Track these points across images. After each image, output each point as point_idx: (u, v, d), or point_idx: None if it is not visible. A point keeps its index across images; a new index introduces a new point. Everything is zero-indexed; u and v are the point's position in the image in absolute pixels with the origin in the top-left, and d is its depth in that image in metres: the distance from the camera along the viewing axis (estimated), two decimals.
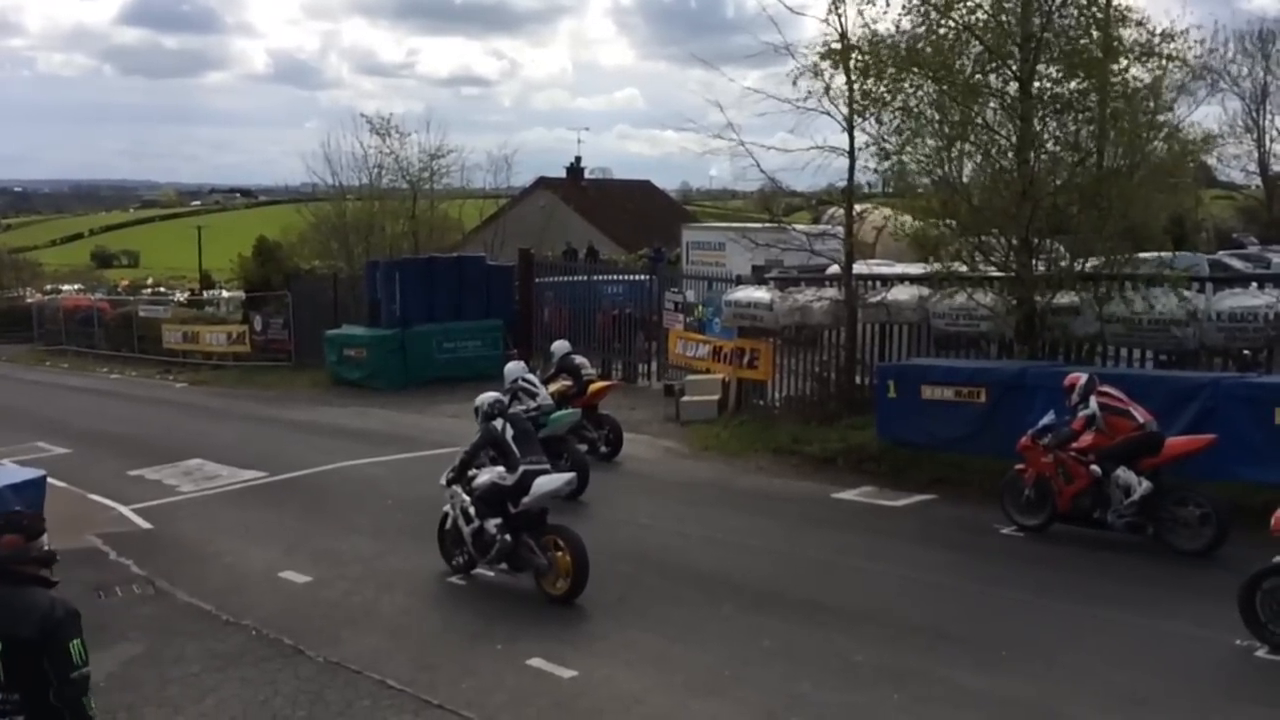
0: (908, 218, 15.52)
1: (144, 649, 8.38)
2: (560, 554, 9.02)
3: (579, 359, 14.98)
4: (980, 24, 13.48)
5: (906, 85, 13.86)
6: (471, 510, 9.44)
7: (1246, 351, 12.89)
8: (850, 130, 14.78)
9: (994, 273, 13.98)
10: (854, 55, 14.16)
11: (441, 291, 23.36)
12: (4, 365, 33.05)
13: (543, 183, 45.61)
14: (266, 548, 11.19)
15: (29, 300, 45.43)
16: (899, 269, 17.51)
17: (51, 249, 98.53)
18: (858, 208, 16.58)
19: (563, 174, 48.58)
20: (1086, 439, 10.36)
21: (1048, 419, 10.71)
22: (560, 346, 15.12)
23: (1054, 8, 13.34)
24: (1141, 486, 9.96)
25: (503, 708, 7.19)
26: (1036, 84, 13.39)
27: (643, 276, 23.30)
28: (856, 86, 14.27)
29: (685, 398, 17.36)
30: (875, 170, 14.85)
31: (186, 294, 47.95)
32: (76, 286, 57.66)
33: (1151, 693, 7.11)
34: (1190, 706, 6.97)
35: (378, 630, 8.71)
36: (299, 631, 8.61)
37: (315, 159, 31.16)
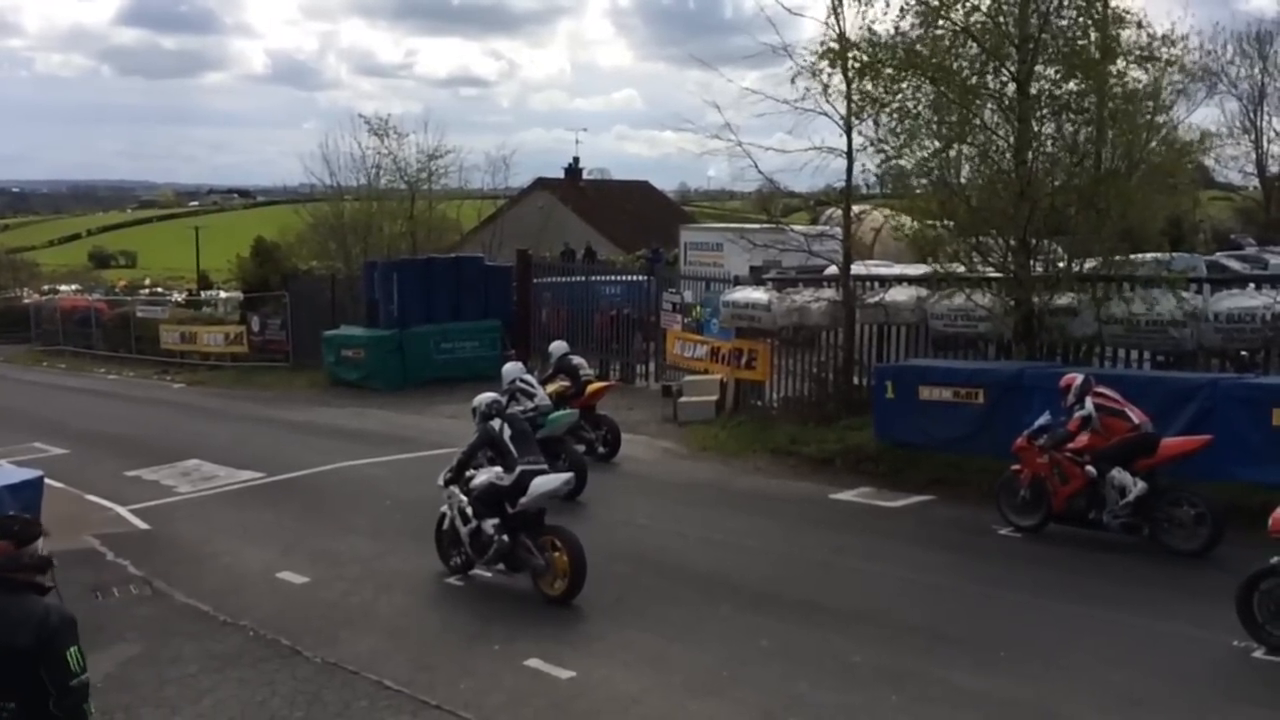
0: (906, 219, 15.53)
1: (141, 649, 8.37)
2: (558, 554, 9.02)
3: (577, 360, 14.98)
4: (978, 25, 13.49)
5: (904, 86, 13.87)
6: (469, 510, 9.44)
7: (1244, 352, 12.91)
8: (848, 131, 14.79)
9: (992, 273, 13.99)
10: (852, 55, 14.16)
11: (439, 292, 23.36)
12: (1, 366, 33.02)
13: (541, 183, 45.59)
14: (264, 548, 11.18)
15: (26, 301, 45.40)
16: (897, 270, 17.53)
17: (49, 249, 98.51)
18: (856, 208, 16.59)
19: (561, 175, 48.58)
20: (1082, 440, 10.37)
21: (1043, 420, 10.72)
22: (558, 347, 15.11)
23: (1052, 9, 13.35)
24: (1137, 487, 9.97)
25: (500, 708, 7.19)
26: (1034, 85, 13.39)
27: (641, 277, 23.31)
28: (854, 87, 14.28)
29: (683, 398, 17.36)
30: (875, 174, 14.88)
31: (184, 294, 47.89)
32: (74, 287, 57.58)
33: (1149, 693, 7.11)
34: (1188, 707, 6.97)
35: (375, 631, 8.70)
36: (296, 632, 8.60)
37: (313, 160, 31.10)
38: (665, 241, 32.96)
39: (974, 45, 13.55)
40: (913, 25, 13.77)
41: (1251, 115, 43.19)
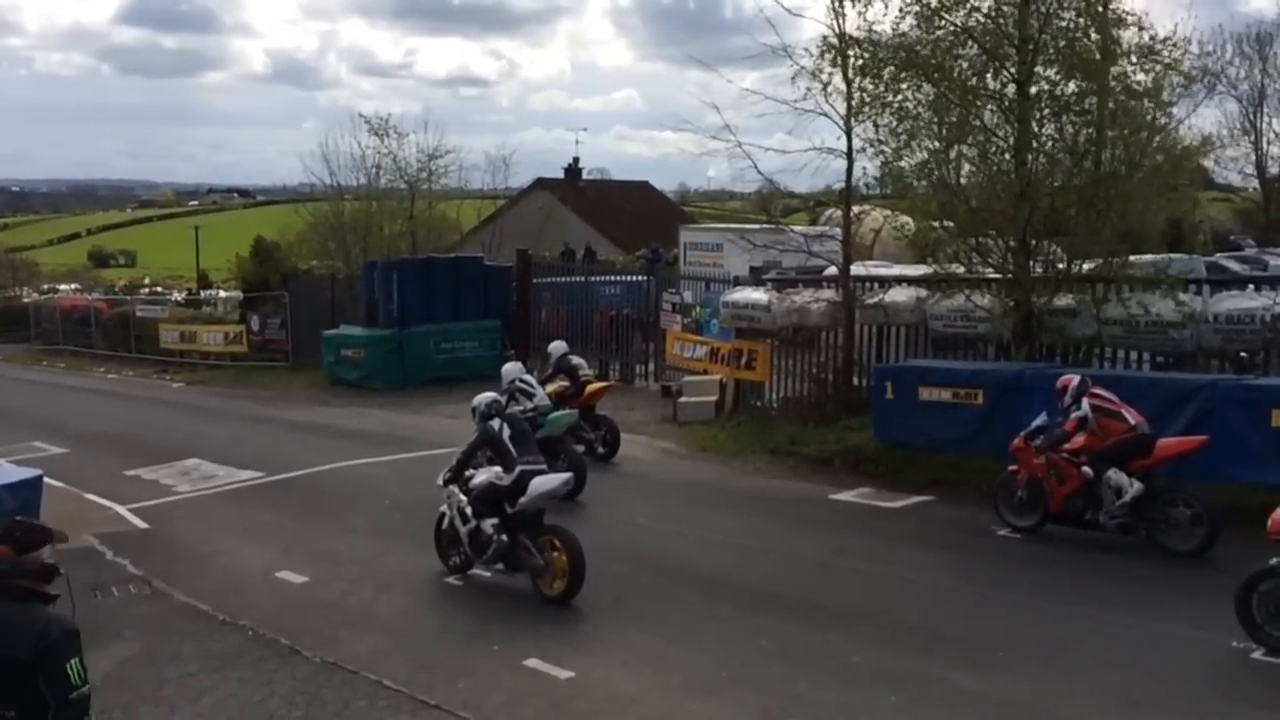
0: (905, 219, 15.55)
1: (140, 649, 8.38)
2: (557, 554, 9.02)
3: (576, 360, 14.99)
4: (978, 26, 13.49)
5: (904, 86, 13.88)
6: (468, 510, 9.44)
7: (1244, 353, 12.91)
8: (848, 131, 14.79)
9: (992, 274, 14.00)
10: (852, 54, 14.16)
11: (439, 292, 23.36)
12: (1, 365, 33.01)
13: (541, 183, 45.59)
14: (263, 548, 11.18)
15: (26, 300, 45.39)
16: (897, 270, 17.54)
17: (49, 248, 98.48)
18: (855, 209, 16.59)
19: (561, 174, 48.57)
20: (1078, 440, 10.38)
21: (1040, 420, 10.73)
22: (558, 347, 15.12)
23: (1052, 10, 13.36)
24: (1133, 488, 9.97)
25: (500, 708, 7.19)
26: (1034, 86, 13.41)
27: (640, 277, 23.30)
28: (855, 86, 14.29)
29: (683, 399, 17.37)
30: (875, 174, 14.88)
31: (184, 294, 47.91)
32: (74, 286, 57.60)
33: (1148, 694, 7.11)
34: (1186, 708, 6.98)
35: (375, 630, 8.70)
36: (296, 632, 8.60)
37: (313, 159, 31.20)
38: (665, 242, 32.95)
39: (974, 46, 13.55)
40: (912, 26, 13.79)
41: (1251, 117, 43.20)
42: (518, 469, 9.28)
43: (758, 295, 16.86)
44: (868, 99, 14.15)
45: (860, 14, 14.18)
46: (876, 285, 16.05)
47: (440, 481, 9.78)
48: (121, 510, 12.85)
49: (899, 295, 15.28)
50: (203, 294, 44.94)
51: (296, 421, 19.56)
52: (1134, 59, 13.22)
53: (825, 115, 14.81)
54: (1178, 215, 20.66)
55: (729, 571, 9.94)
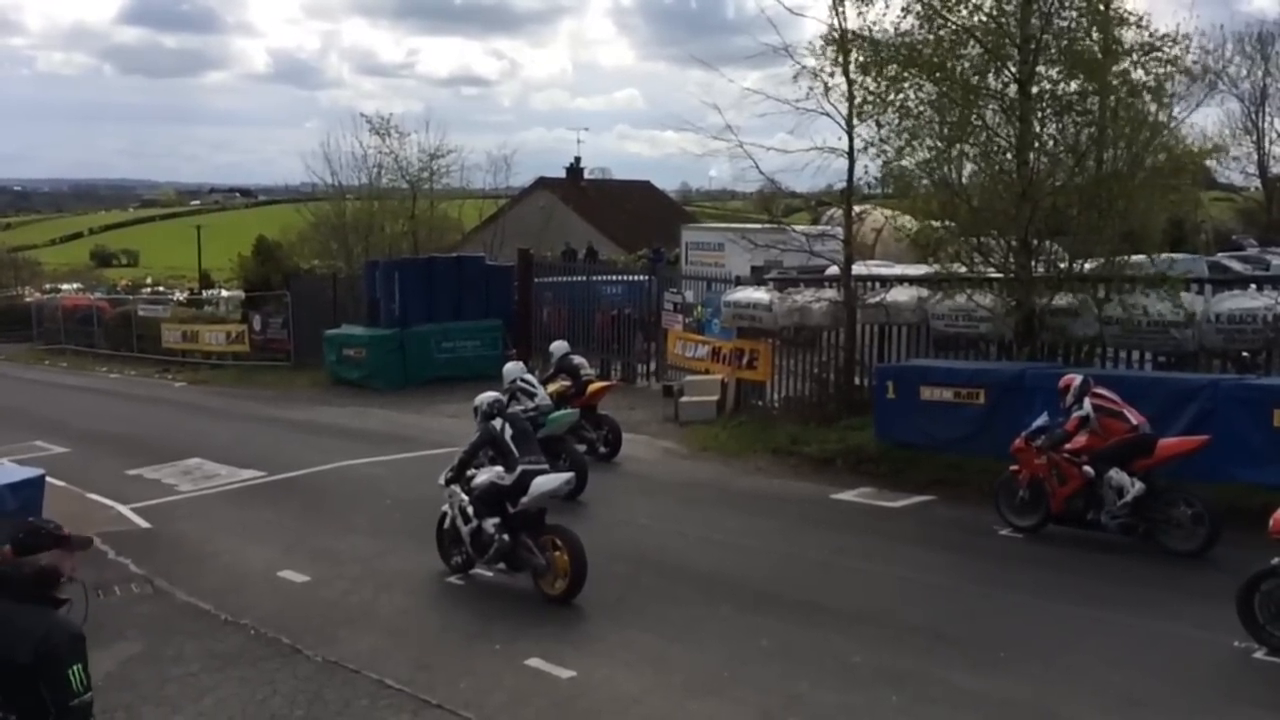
0: (907, 219, 15.53)
1: (142, 648, 8.39)
2: (558, 554, 9.02)
3: (578, 359, 14.98)
4: (980, 25, 13.49)
5: (906, 85, 13.87)
6: (470, 510, 9.45)
7: (1245, 353, 12.90)
8: (850, 131, 14.79)
9: (993, 274, 13.99)
10: (854, 51, 14.16)
11: (441, 291, 23.37)
12: (3, 364, 33.03)
13: (542, 183, 45.62)
14: (265, 547, 11.19)
15: (28, 299, 45.45)
16: (898, 270, 17.53)
17: (51, 248, 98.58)
18: (857, 209, 16.59)
19: (562, 174, 48.61)
20: (1080, 440, 10.37)
21: (1041, 420, 10.73)
22: (559, 347, 15.12)
23: (1053, 9, 13.35)
24: (1134, 488, 9.97)
25: (501, 708, 7.20)
26: (1036, 85, 13.39)
27: (642, 277, 23.29)
28: (857, 85, 14.28)
29: (684, 398, 17.37)
30: (876, 174, 14.88)
31: (186, 293, 47.96)
32: (76, 286, 57.67)
33: (1149, 694, 7.11)
34: (1188, 708, 6.98)
35: (376, 630, 8.71)
36: (297, 631, 8.61)
37: (315, 159, 31.21)
38: (666, 241, 32.98)
39: (975, 45, 13.55)
40: (913, 26, 13.78)
41: (1253, 116, 43.22)
42: (519, 468, 9.29)
43: (759, 295, 16.86)
44: (869, 98, 14.14)
45: (860, 14, 14.19)
46: (878, 285, 16.05)
47: (442, 481, 9.79)
48: (123, 510, 12.86)
49: (900, 295, 15.28)
50: (205, 294, 44.99)
51: (298, 421, 19.58)
52: (1136, 57, 13.20)
53: (827, 115, 14.84)
54: (1180, 215, 20.64)
55: (730, 571, 9.94)
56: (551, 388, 13.97)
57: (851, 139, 14.84)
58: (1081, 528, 10.41)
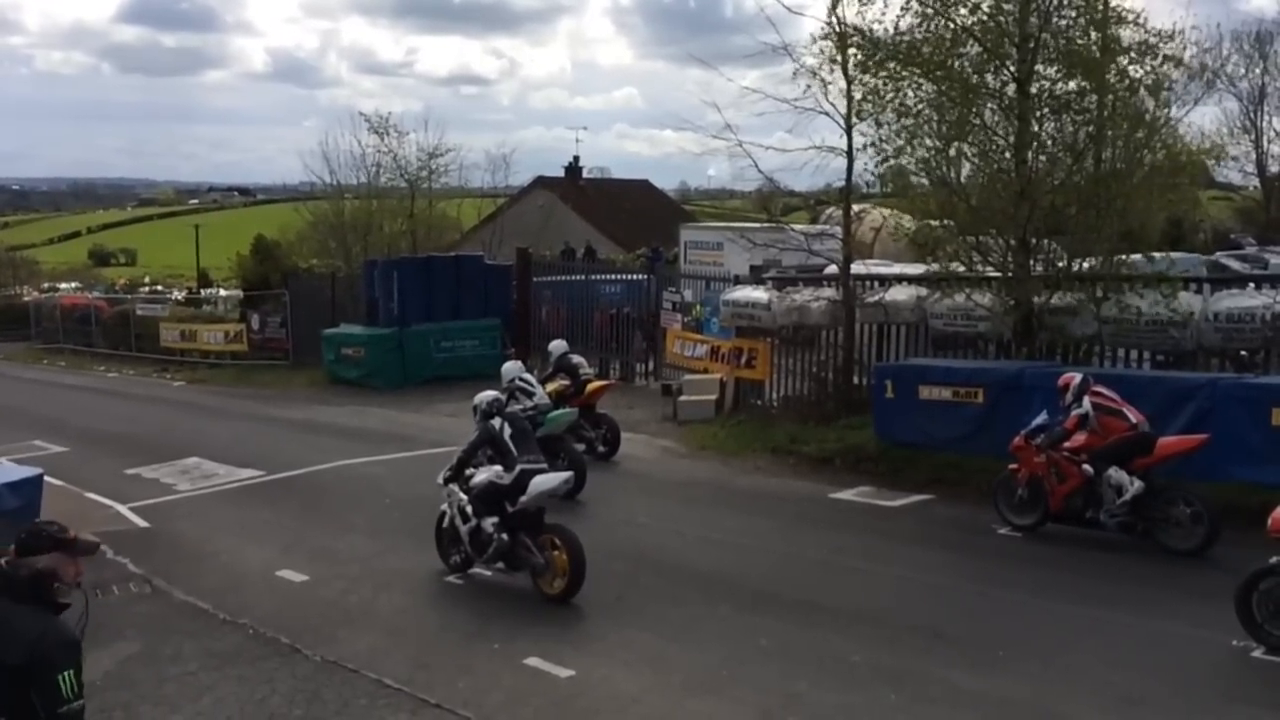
0: (906, 218, 15.53)
1: (141, 647, 8.38)
2: (557, 553, 9.02)
3: (576, 358, 14.99)
4: (978, 24, 13.48)
5: (905, 84, 13.87)
6: (469, 509, 9.44)
7: (1244, 352, 12.90)
8: (848, 130, 14.79)
9: (992, 273, 13.99)
10: (852, 50, 14.14)
11: (439, 291, 23.38)
12: (1, 363, 33.02)
13: (541, 182, 45.58)
14: (264, 546, 11.18)
15: (26, 298, 45.45)
16: (897, 269, 17.53)
17: (49, 247, 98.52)
18: (856, 208, 16.59)
19: (561, 173, 48.55)
20: (1079, 439, 10.37)
21: (1040, 419, 10.73)
22: (558, 346, 15.12)
23: (1052, 8, 13.35)
24: (1133, 486, 9.97)
25: (500, 707, 7.19)
26: (1035, 84, 13.39)
27: (640, 276, 23.31)
28: (856, 83, 14.28)
29: (683, 397, 17.37)
30: (875, 173, 14.87)
31: (184, 292, 47.94)
32: (74, 285, 57.65)
33: (1148, 693, 7.11)
34: (1186, 707, 6.98)
35: (375, 629, 8.71)
36: (296, 630, 8.60)
37: (313, 158, 31.23)
38: (665, 240, 32.94)
39: (974, 44, 13.54)
40: (911, 26, 13.78)
41: (1251, 115, 43.15)
42: (518, 468, 9.28)
43: (758, 294, 16.86)
44: (868, 96, 14.14)
45: (859, 13, 14.17)
46: (877, 284, 16.05)
47: (440, 480, 9.78)
48: (122, 509, 12.85)
49: (899, 294, 15.28)
50: (203, 293, 44.98)
51: (297, 420, 19.57)
52: (1133, 54, 13.20)
53: (825, 114, 14.84)
54: (1178, 214, 20.65)
55: (729, 570, 9.94)
56: (550, 387, 13.97)
57: (850, 138, 14.86)
58: (1080, 526, 10.42)
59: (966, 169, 14.32)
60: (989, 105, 13.77)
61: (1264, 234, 37.75)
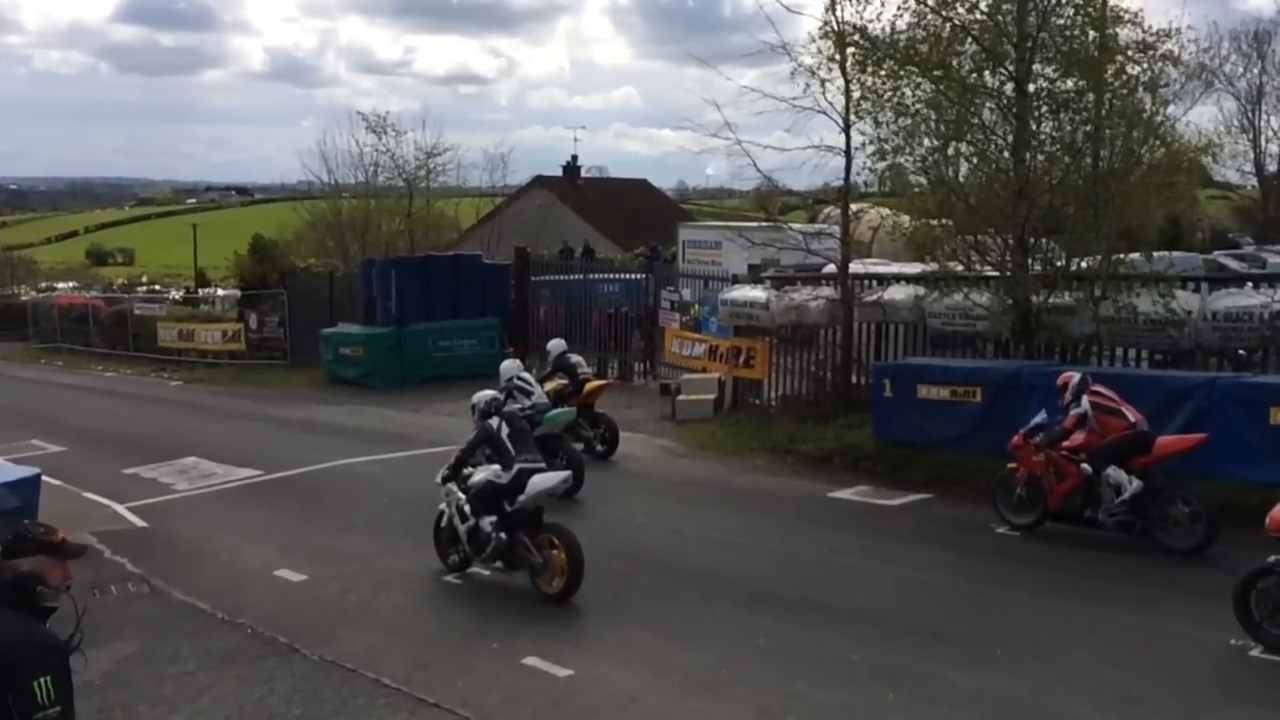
0: (904, 217, 15.53)
1: (139, 647, 8.37)
2: (555, 552, 9.02)
3: (575, 358, 14.99)
4: (976, 23, 13.48)
5: (903, 84, 13.87)
6: (467, 508, 9.44)
7: (1242, 351, 12.91)
8: (847, 129, 14.79)
9: (990, 272, 13.99)
10: (851, 49, 14.14)
11: (437, 290, 23.38)
12: None
13: (539, 181, 45.58)
14: (262, 546, 11.17)
15: (24, 298, 45.46)
16: (895, 268, 17.53)
17: (47, 246, 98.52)
18: (854, 207, 16.58)
19: (559, 172, 48.56)
20: (1078, 438, 10.38)
21: (1039, 418, 10.73)
22: (556, 345, 15.12)
23: (1050, 7, 13.35)
24: (1132, 485, 9.98)
25: (498, 707, 7.19)
26: (1033, 84, 13.39)
27: (639, 275, 23.31)
28: (854, 82, 14.27)
29: (681, 397, 17.37)
30: (872, 170, 14.86)
31: (182, 292, 47.93)
32: (71, 284, 57.70)
33: (1147, 692, 7.11)
34: (1185, 706, 6.98)
35: (373, 628, 8.70)
36: (294, 630, 8.60)
37: (311, 157, 31.26)
38: (664, 240, 32.96)
39: (972, 43, 13.55)
40: (910, 25, 13.77)
41: (1250, 114, 43.22)
42: (516, 467, 9.28)
43: (756, 293, 16.86)
44: (866, 95, 14.13)
45: (857, 12, 14.17)
46: (875, 283, 16.05)
47: (439, 479, 9.78)
48: (120, 509, 12.84)
49: (897, 293, 15.28)
50: (201, 292, 45.02)
51: (295, 419, 19.56)
52: (1131, 53, 13.20)
53: (824, 113, 14.82)
54: (1176, 213, 20.65)
55: (727, 569, 9.93)
56: (548, 386, 13.97)
57: (849, 137, 14.85)
58: (1079, 525, 10.42)
59: (964, 168, 14.32)
60: (987, 104, 13.77)
61: (1262, 233, 37.80)
